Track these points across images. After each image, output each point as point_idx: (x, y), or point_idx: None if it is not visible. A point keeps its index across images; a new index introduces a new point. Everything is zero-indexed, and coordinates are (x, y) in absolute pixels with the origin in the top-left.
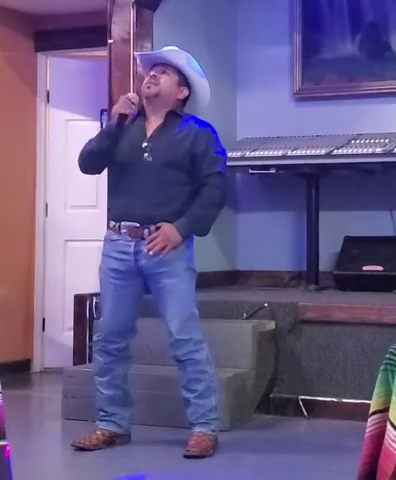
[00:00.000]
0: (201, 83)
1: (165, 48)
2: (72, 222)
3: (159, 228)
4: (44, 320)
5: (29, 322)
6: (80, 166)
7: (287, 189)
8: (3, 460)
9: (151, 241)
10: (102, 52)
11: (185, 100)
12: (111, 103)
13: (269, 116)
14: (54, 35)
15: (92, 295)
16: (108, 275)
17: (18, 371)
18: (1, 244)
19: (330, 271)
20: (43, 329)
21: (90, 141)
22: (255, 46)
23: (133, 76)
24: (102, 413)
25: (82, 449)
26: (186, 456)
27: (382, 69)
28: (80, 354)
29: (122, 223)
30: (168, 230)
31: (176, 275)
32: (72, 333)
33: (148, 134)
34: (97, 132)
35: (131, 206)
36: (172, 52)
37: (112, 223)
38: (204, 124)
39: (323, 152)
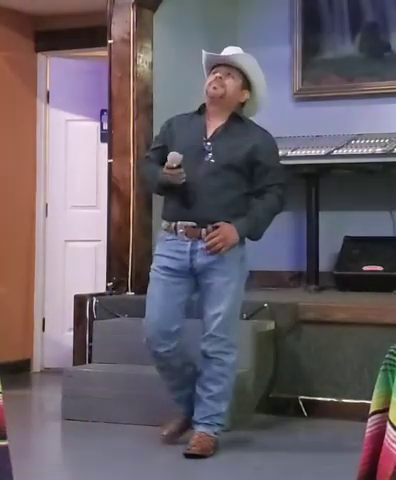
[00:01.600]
0: (263, 86)
1: (229, 50)
2: (72, 222)
3: (217, 227)
4: (44, 320)
5: (29, 322)
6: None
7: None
8: (4, 460)
9: (210, 239)
10: (102, 52)
11: (243, 102)
12: (111, 103)
13: (269, 116)
14: (54, 35)
15: (92, 295)
16: (158, 272)
17: (18, 371)
18: (1, 244)
19: (330, 271)
20: (43, 329)
21: (146, 158)
22: (255, 46)
23: (133, 76)
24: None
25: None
26: (186, 455)
27: (382, 69)
28: (80, 354)
29: (178, 223)
30: (227, 229)
31: (228, 274)
32: (72, 333)
33: (209, 134)
34: (150, 175)
35: (188, 206)
36: (241, 56)
37: (166, 223)
38: (265, 132)
39: (323, 152)
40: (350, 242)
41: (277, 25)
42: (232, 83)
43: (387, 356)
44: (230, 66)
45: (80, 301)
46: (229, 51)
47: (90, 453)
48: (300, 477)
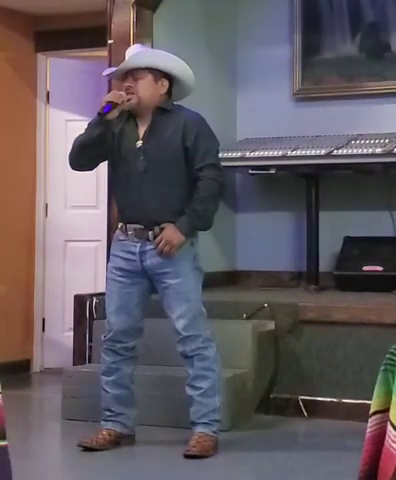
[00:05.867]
0: (179, 67)
1: (129, 51)
2: (72, 222)
3: (163, 229)
4: (44, 320)
5: (29, 322)
6: (71, 161)
7: (287, 189)
8: (3, 460)
9: (156, 245)
10: (102, 52)
11: (170, 89)
12: None
13: (269, 116)
14: (54, 35)
15: (92, 295)
16: (114, 274)
17: (18, 371)
18: (1, 244)
19: (330, 271)
20: (43, 329)
21: (80, 135)
22: (255, 46)
23: None
24: (108, 413)
25: (89, 449)
26: (186, 456)
27: (382, 69)
28: (80, 354)
29: (128, 225)
30: (170, 231)
31: (182, 275)
32: (72, 333)
33: (140, 135)
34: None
35: (134, 209)
36: (136, 57)
37: (120, 224)
38: (191, 114)
39: (323, 152)
40: (350, 242)
41: (277, 25)
42: (143, 85)
43: (387, 356)
44: (135, 69)
45: (80, 301)
46: (128, 53)
47: (90, 453)
48: (300, 477)
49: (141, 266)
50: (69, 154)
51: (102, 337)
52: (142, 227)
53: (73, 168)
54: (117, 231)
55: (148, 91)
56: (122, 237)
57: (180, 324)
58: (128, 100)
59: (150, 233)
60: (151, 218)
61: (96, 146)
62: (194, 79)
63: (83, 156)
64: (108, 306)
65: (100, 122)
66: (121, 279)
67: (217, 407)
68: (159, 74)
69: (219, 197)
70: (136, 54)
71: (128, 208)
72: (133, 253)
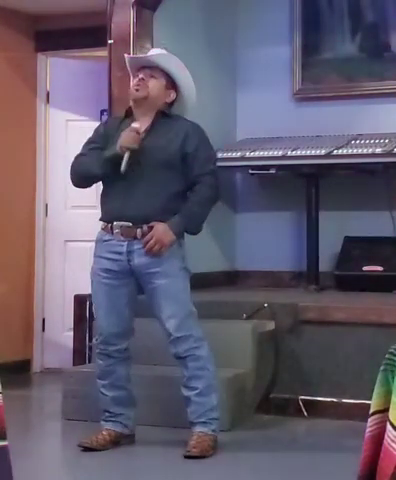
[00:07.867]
0: (189, 86)
1: (153, 51)
2: (72, 222)
3: (152, 227)
4: (44, 320)
5: (29, 322)
6: (74, 181)
7: (287, 189)
8: (3, 460)
9: (145, 243)
10: (102, 52)
11: (172, 102)
12: (111, 103)
13: (269, 116)
14: (54, 35)
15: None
16: (100, 276)
17: (18, 371)
18: (1, 244)
19: (330, 271)
20: (43, 330)
21: (82, 155)
22: (255, 46)
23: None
24: (107, 414)
25: (89, 449)
26: (186, 456)
27: (382, 69)
28: (80, 354)
29: (114, 223)
30: (161, 230)
31: (170, 275)
32: (72, 333)
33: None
34: (99, 157)
35: (124, 206)
36: (162, 56)
37: (103, 224)
38: (192, 123)
39: (323, 152)
40: (350, 242)
41: (277, 25)
42: (155, 84)
43: (387, 356)
44: (153, 68)
45: (80, 301)
46: (152, 53)
47: (90, 453)
48: (300, 477)
49: (128, 266)
50: (73, 172)
51: (94, 340)
52: (130, 225)
53: (74, 185)
54: (100, 232)
55: (157, 91)
56: (107, 237)
57: (171, 325)
58: (136, 90)
59: (138, 230)
60: (140, 215)
61: (101, 178)
62: (194, 106)
63: (88, 182)
64: (97, 310)
65: (115, 162)
66: (108, 281)
67: (215, 405)
68: (170, 84)
69: (214, 204)
70: (165, 55)
71: (117, 205)
72: (120, 253)
